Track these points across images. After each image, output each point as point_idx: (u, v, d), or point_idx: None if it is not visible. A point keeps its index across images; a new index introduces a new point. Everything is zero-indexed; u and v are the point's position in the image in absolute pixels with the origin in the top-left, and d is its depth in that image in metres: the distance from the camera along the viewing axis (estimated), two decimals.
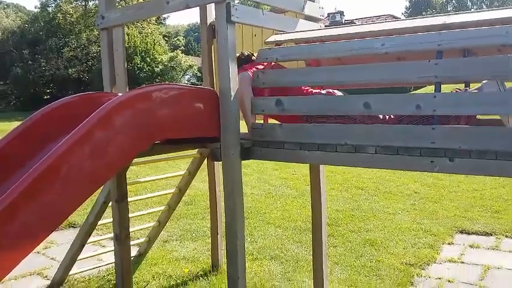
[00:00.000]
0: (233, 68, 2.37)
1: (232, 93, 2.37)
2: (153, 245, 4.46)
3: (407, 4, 53.80)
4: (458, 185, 7.35)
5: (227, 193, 2.48)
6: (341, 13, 41.84)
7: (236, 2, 2.43)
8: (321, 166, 3.25)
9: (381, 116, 2.32)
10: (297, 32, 2.77)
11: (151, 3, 2.76)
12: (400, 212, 5.95)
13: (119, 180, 2.89)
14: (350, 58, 2.39)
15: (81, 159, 1.96)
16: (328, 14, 42.99)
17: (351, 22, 41.72)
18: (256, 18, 2.59)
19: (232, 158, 2.42)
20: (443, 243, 4.74)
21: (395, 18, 43.15)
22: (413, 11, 50.90)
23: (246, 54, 3.01)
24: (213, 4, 2.56)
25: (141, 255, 4.29)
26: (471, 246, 4.64)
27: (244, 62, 2.89)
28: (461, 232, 5.09)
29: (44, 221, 1.83)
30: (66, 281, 3.80)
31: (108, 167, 2.09)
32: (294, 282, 3.84)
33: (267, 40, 2.69)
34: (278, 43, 2.64)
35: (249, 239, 4.87)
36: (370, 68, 2.21)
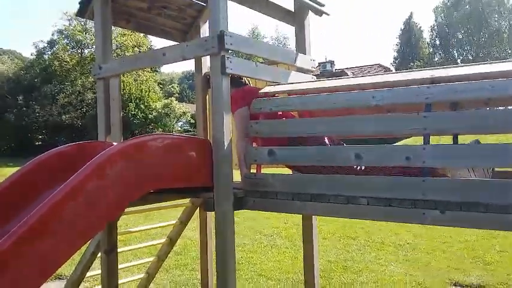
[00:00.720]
0: (227, 118, 2.41)
1: (226, 143, 2.39)
2: None
3: (396, 54, 55.30)
4: (450, 235, 7.30)
5: (219, 244, 2.45)
6: (331, 62, 42.94)
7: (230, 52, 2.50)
8: (313, 217, 3.24)
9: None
10: (289, 83, 2.84)
11: (148, 54, 2.83)
12: (392, 263, 5.87)
13: (109, 230, 2.85)
14: (342, 110, 2.44)
15: (73, 210, 1.93)
16: (319, 63, 44.02)
17: (341, 71, 42.90)
18: (250, 69, 2.66)
19: (225, 208, 2.41)
20: None
21: (384, 67, 44.34)
22: (401, 61, 52.28)
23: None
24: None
25: None
26: None
27: (237, 83, 2.95)
28: (455, 285, 5.02)
29: (34, 272, 1.78)
30: None
31: (100, 218, 2.06)
32: None
33: (260, 91, 2.75)
34: (272, 94, 2.70)
35: None
36: (362, 120, 2.26)
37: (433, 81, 2.09)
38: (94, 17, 2.96)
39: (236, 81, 2.93)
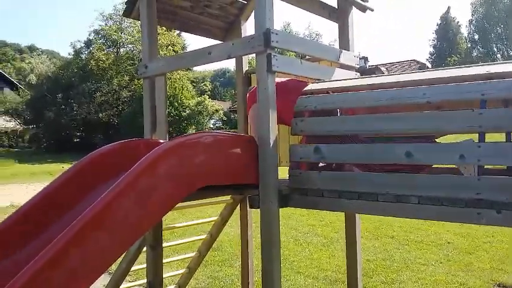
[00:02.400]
0: (273, 116, 2.41)
1: (271, 141, 2.39)
2: None
3: (432, 50, 54.00)
4: (493, 235, 7.09)
5: (264, 241, 2.45)
6: (365, 59, 42.37)
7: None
8: (357, 215, 3.21)
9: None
10: (333, 81, 2.82)
11: (194, 53, 2.86)
12: (433, 263, 5.75)
13: (155, 226, 2.90)
14: (389, 107, 2.40)
15: (126, 208, 1.98)
16: None
17: (375, 67, 42.07)
18: (295, 67, 2.66)
19: (270, 206, 2.41)
20: None
21: (419, 63, 43.31)
22: (437, 56, 51.04)
23: None
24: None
25: None
26: None
27: None
28: (499, 285, 4.87)
29: (88, 269, 1.83)
30: None
31: (151, 215, 2.10)
32: None
33: (305, 89, 2.73)
34: (317, 92, 2.68)
35: None
36: (411, 117, 2.22)
37: (489, 77, 2.03)
38: (140, 17, 3.02)
39: None
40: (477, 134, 1.99)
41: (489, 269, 5.41)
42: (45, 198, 2.23)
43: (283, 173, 2.61)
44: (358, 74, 3.22)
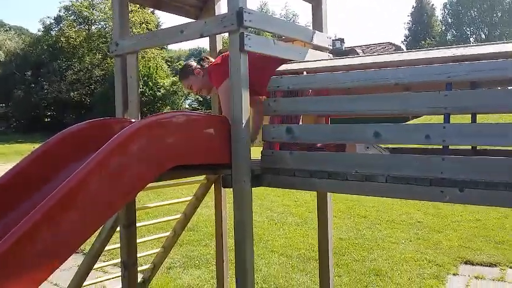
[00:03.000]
0: (245, 96, 2.42)
1: (244, 121, 2.41)
2: (157, 271, 4.42)
3: (407, 32, 54.51)
4: (461, 214, 7.34)
5: (237, 220, 2.49)
6: (341, 40, 42.46)
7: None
8: (329, 194, 3.27)
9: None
10: (306, 61, 2.83)
11: (166, 31, 2.83)
12: (403, 241, 5.94)
13: (128, 205, 2.90)
14: (359, 88, 2.44)
15: (98, 185, 1.97)
16: None
17: (351, 49, 42.34)
18: (268, 47, 2.65)
19: (243, 185, 2.44)
20: (448, 274, 4.72)
21: (395, 46, 43.70)
22: (412, 39, 51.57)
23: (193, 64, 3.24)
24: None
25: (145, 282, 4.24)
26: (476, 277, 4.62)
27: (190, 72, 3.17)
28: (466, 263, 5.07)
29: (60, 247, 1.83)
30: None
31: (123, 194, 2.10)
32: None
33: (278, 69, 2.74)
34: (290, 72, 2.69)
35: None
36: (380, 98, 2.26)
37: (455, 59, 2.08)
38: None
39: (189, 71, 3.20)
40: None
41: (457, 247, 5.62)
42: (15, 177, 2.20)
43: (256, 153, 2.63)
44: (331, 55, 3.24)
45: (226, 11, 2.52)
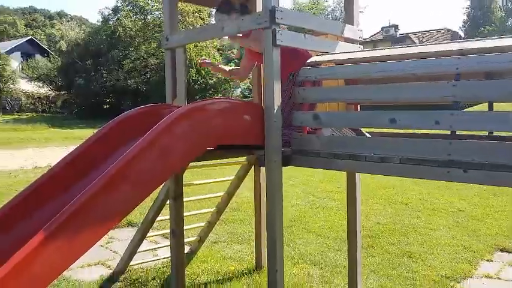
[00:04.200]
0: (277, 86, 2.73)
1: (275, 108, 2.72)
2: (203, 244, 4.86)
3: (465, 18, 52.13)
4: (505, 205, 7.29)
5: (269, 194, 2.82)
6: (395, 27, 41.49)
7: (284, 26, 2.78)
8: (357, 177, 3.53)
9: None
10: (335, 53, 3.09)
11: (210, 27, 3.19)
12: (441, 228, 6.04)
13: (177, 181, 3.30)
14: (381, 78, 2.68)
15: (147, 162, 2.37)
16: (382, 28, 42.83)
17: (405, 36, 41.47)
18: (299, 41, 2.94)
19: (274, 164, 2.76)
20: (481, 260, 4.83)
21: (452, 32, 42.16)
22: (471, 25, 49.33)
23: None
24: None
25: (192, 253, 4.70)
26: (510, 265, 4.70)
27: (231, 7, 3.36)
28: (502, 250, 5.14)
29: (118, 208, 2.25)
30: (126, 270, 4.26)
31: (170, 168, 2.49)
32: (330, 285, 4.10)
33: (308, 61, 3.03)
34: (318, 63, 2.97)
35: (291, 245, 5.17)
36: (397, 87, 2.50)
37: (462, 53, 2.29)
38: None
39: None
40: None
41: (495, 235, 5.66)
42: (82, 153, 2.65)
43: None
44: (361, 46, 3.47)
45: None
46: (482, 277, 4.36)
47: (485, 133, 2.65)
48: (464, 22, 52.38)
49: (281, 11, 2.69)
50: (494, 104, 2.69)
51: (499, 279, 4.32)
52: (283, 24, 2.76)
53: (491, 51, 2.22)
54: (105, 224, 2.25)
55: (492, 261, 4.82)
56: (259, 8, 3.88)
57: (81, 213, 2.12)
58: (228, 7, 3.41)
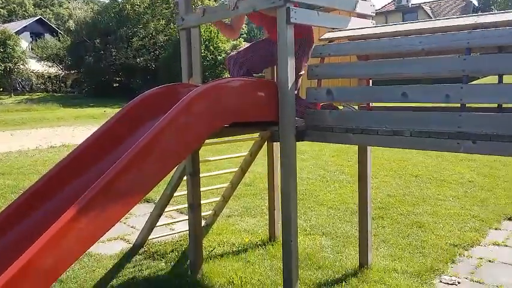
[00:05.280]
0: (291, 63, 2.81)
1: (289, 84, 2.81)
2: (218, 218, 5.03)
3: None
4: None
5: (284, 167, 2.93)
6: None
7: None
8: (368, 151, 3.63)
9: None
10: (347, 30, 3.15)
11: (223, 6, 3.25)
12: (451, 198, 6.14)
13: (193, 158, 3.43)
14: (392, 53, 2.76)
15: (169, 138, 2.49)
16: None
17: (417, 6, 40.71)
18: (312, 18, 3.00)
19: (288, 139, 2.87)
20: (489, 228, 4.94)
21: (465, 1, 41.25)
22: None
23: None
24: None
25: (207, 226, 4.87)
26: None
27: None
28: (510, 219, 5.24)
29: (142, 184, 2.38)
30: (145, 244, 4.45)
31: (188, 145, 2.62)
32: (342, 255, 4.24)
33: (321, 37, 3.09)
34: (331, 40, 3.04)
35: (303, 217, 5.32)
36: (409, 62, 2.57)
37: (475, 27, 2.34)
38: None
39: None
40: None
41: (503, 205, 5.76)
42: (105, 132, 2.78)
43: None
44: (374, 22, 3.51)
45: None
46: (490, 245, 4.48)
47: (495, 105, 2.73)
48: None
49: None
50: (504, 76, 2.75)
51: (506, 246, 4.43)
52: (297, 2, 2.82)
53: (503, 25, 2.28)
54: (131, 199, 2.38)
55: (500, 229, 4.93)
56: None
57: (109, 189, 2.25)
58: None
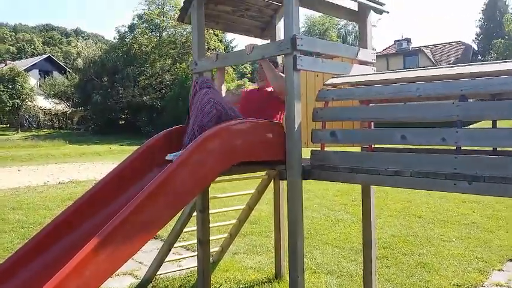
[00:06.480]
0: (297, 106, 3.00)
1: (296, 126, 2.99)
2: (224, 255, 5.12)
3: (478, 31, 52.16)
4: None
5: (290, 205, 3.08)
6: (408, 40, 41.75)
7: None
8: (372, 190, 3.77)
9: None
10: (350, 76, 3.37)
11: (236, 53, 3.49)
12: (454, 239, 6.20)
13: (203, 194, 3.58)
14: (393, 98, 2.95)
15: (182, 177, 2.64)
16: (395, 41, 43.11)
17: (418, 49, 41.66)
18: (317, 65, 3.23)
19: (295, 177, 3.03)
20: (493, 269, 4.99)
21: (465, 45, 42.24)
22: (484, 38, 49.36)
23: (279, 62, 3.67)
24: None
25: (214, 263, 4.96)
26: None
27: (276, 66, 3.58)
28: (511, 261, 5.29)
29: (157, 219, 2.52)
30: (153, 279, 4.53)
31: (201, 181, 2.77)
32: None
33: (325, 82, 3.31)
34: (334, 85, 3.25)
35: (308, 256, 5.39)
36: (408, 108, 2.76)
37: (469, 76, 2.54)
38: (191, 22, 3.66)
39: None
40: None
41: (506, 246, 5.81)
42: (123, 169, 2.95)
43: (306, 153, 3.21)
44: (375, 68, 3.73)
45: (283, 35, 3.12)
46: (492, 286, 4.53)
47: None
48: (477, 35, 52.39)
49: (301, 38, 2.99)
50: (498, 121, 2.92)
51: (509, 287, 4.48)
52: (303, 50, 3.05)
53: (496, 75, 2.47)
54: (146, 234, 2.51)
55: (503, 270, 4.98)
56: (280, 36, 4.19)
57: (126, 225, 2.38)
58: (276, 61, 3.65)
